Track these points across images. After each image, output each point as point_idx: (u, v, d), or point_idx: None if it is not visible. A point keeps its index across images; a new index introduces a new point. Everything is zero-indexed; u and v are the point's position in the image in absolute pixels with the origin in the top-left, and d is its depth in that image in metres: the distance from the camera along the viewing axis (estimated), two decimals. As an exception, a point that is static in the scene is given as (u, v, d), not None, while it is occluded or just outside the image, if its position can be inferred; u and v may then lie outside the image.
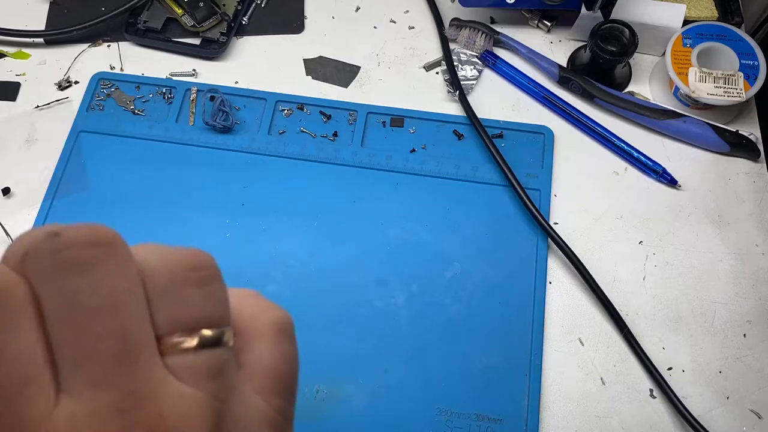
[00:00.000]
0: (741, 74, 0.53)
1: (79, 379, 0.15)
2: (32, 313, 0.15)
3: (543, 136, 0.55)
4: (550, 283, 0.50)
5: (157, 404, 0.15)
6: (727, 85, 0.52)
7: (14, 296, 0.15)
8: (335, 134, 0.55)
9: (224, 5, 0.61)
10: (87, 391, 0.15)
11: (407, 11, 0.62)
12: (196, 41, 0.60)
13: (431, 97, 0.58)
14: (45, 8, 0.62)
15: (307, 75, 0.59)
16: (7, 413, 0.14)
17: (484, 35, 0.59)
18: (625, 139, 0.54)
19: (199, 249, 0.18)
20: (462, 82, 0.57)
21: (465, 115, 0.55)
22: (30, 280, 0.15)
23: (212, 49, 0.59)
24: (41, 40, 0.60)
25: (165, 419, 0.15)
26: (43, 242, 0.15)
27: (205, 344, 0.17)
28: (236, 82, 0.58)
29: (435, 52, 0.60)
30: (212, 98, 0.56)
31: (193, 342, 0.16)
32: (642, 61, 0.59)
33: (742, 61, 0.53)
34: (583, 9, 0.57)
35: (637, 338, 0.47)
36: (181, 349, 0.16)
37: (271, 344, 0.19)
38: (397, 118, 0.56)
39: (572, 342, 0.48)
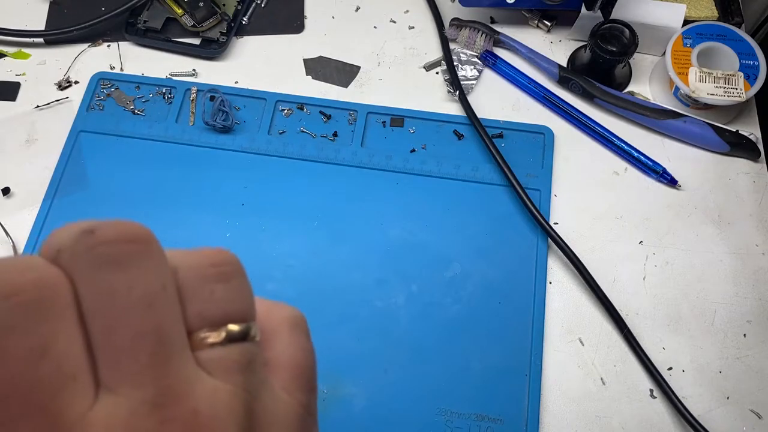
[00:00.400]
0: (741, 74, 0.53)
1: (116, 376, 0.15)
2: (74, 309, 0.15)
3: (543, 136, 0.55)
4: (550, 283, 0.50)
5: (191, 400, 0.15)
6: (727, 85, 0.52)
7: (60, 292, 0.15)
8: (335, 134, 0.55)
9: (224, 5, 0.61)
10: (124, 388, 0.15)
11: (407, 11, 0.62)
12: (196, 41, 0.60)
13: (431, 97, 0.58)
14: (45, 8, 0.62)
15: (307, 75, 0.59)
16: (51, 409, 0.14)
17: (484, 35, 0.59)
18: (625, 139, 0.54)
19: (220, 247, 0.18)
20: (462, 82, 0.57)
21: (465, 115, 0.55)
22: (68, 275, 0.15)
23: (212, 49, 0.59)
24: (41, 40, 0.60)
25: (199, 414, 0.15)
26: (78, 239, 0.15)
27: (232, 338, 0.17)
28: (236, 82, 0.58)
29: (435, 52, 0.60)
30: (212, 98, 0.56)
31: (221, 336, 0.17)
32: (642, 61, 0.59)
33: (742, 61, 0.53)
34: (583, 9, 0.57)
35: (637, 338, 0.47)
36: (210, 344, 0.17)
37: (289, 339, 0.19)
38: (397, 118, 0.56)
39: (572, 342, 0.48)
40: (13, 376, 0.14)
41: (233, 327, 0.17)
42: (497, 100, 0.57)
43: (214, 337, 0.17)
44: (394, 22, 0.62)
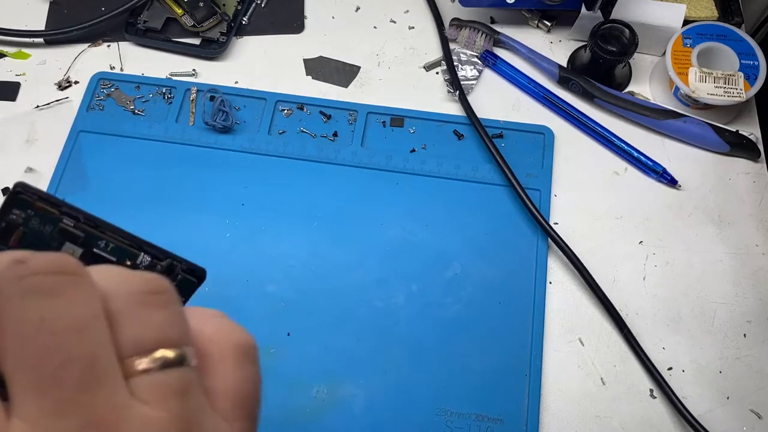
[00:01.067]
0: (741, 74, 0.53)
1: (36, 406, 0.15)
2: None
3: (543, 136, 0.55)
4: (550, 283, 0.50)
5: (120, 430, 0.15)
6: (727, 85, 0.52)
7: None
8: (335, 134, 0.55)
9: (224, 5, 0.61)
10: (44, 419, 0.14)
11: (407, 11, 0.62)
12: (196, 41, 0.60)
13: (431, 97, 0.58)
14: (45, 8, 0.62)
15: (307, 75, 0.59)
16: None
17: (484, 35, 0.59)
18: (625, 139, 0.54)
19: (154, 274, 0.18)
20: (462, 82, 0.57)
21: (465, 115, 0.55)
22: None
23: (212, 49, 0.59)
24: (41, 40, 0.60)
25: None
26: (8, 268, 0.15)
27: (167, 364, 0.17)
28: (236, 82, 0.58)
29: (435, 52, 0.60)
30: (212, 98, 0.56)
31: (155, 362, 0.17)
32: (642, 61, 0.59)
33: (742, 61, 0.53)
34: (583, 9, 0.57)
35: (637, 338, 0.47)
36: (143, 370, 0.16)
37: (233, 366, 0.19)
38: (397, 118, 0.56)
39: (572, 342, 0.48)
40: None
41: (167, 352, 0.17)
42: (497, 100, 0.57)
43: (147, 362, 0.16)
44: (394, 22, 0.62)
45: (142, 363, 0.16)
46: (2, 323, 0.15)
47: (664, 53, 0.55)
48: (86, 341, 0.15)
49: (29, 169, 0.53)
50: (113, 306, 0.17)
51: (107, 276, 0.17)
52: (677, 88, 0.54)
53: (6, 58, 0.60)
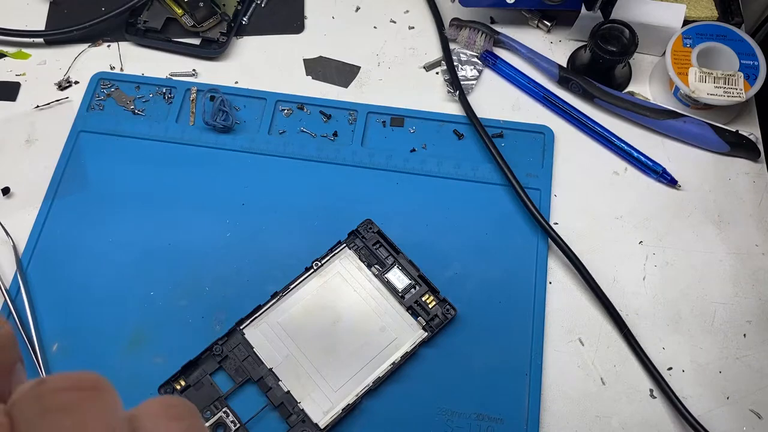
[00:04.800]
0: (741, 74, 0.53)
1: None
2: None
3: (543, 136, 0.55)
4: (550, 283, 0.50)
5: None
6: (727, 85, 0.52)
7: None
8: (335, 134, 0.55)
9: (224, 5, 0.61)
10: None
11: (407, 11, 0.62)
12: (196, 41, 0.60)
13: (431, 97, 0.58)
14: (45, 8, 0.62)
15: (307, 75, 0.59)
16: None
17: (484, 35, 0.59)
18: (625, 139, 0.54)
19: (179, 398, 0.19)
20: (462, 82, 0.57)
21: (465, 115, 0.55)
22: (15, 424, 0.16)
23: (212, 49, 0.59)
24: (41, 40, 0.60)
25: None
26: (30, 389, 0.16)
27: None
28: (236, 82, 0.58)
29: (435, 52, 0.60)
30: (212, 98, 0.56)
31: None
32: (642, 61, 0.59)
33: (742, 61, 0.53)
34: (583, 9, 0.57)
35: (637, 338, 0.47)
36: None
37: None
38: (397, 118, 0.56)
39: (572, 342, 0.48)
40: None
41: None
42: (497, 100, 0.57)
43: None
44: (394, 22, 0.62)
45: None
46: None
47: (664, 53, 0.55)
48: None
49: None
50: (138, 421, 0.17)
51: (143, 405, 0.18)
52: (677, 88, 0.54)
53: (6, 58, 0.60)
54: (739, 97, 0.52)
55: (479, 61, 0.59)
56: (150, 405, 0.18)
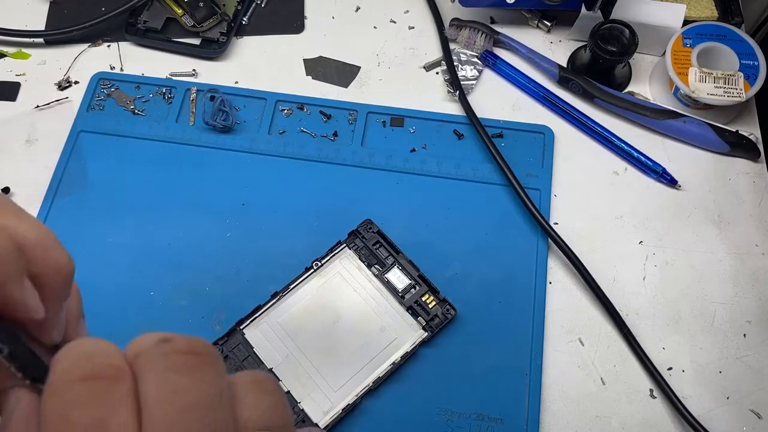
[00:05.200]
0: (741, 74, 0.53)
1: None
2: (133, 399, 0.18)
3: (543, 136, 0.55)
4: (550, 283, 0.50)
5: None
6: (727, 85, 0.52)
7: (124, 385, 0.18)
8: (335, 134, 0.55)
9: (224, 5, 0.61)
10: None
11: (407, 11, 0.62)
12: (196, 41, 0.60)
13: (431, 97, 0.58)
14: (45, 8, 0.62)
15: (307, 75, 0.59)
16: None
17: (484, 35, 0.59)
18: (625, 139, 0.54)
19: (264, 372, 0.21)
20: (462, 82, 0.57)
21: (465, 115, 0.55)
22: (138, 373, 0.18)
23: (212, 49, 0.59)
24: (41, 40, 0.60)
25: None
26: (156, 345, 0.19)
27: None
28: (236, 82, 0.58)
29: (435, 52, 0.60)
30: (212, 98, 0.56)
31: None
32: (642, 61, 0.59)
33: (742, 61, 0.53)
34: (583, 9, 0.57)
35: (637, 338, 0.47)
36: None
37: None
38: (397, 118, 0.56)
39: (572, 342, 0.48)
40: None
41: None
42: (497, 100, 0.57)
43: None
44: (394, 22, 0.62)
45: None
46: (144, 390, 0.18)
47: (664, 53, 0.55)
48: (209, 415, 0.18)
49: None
50: (237, 389, 0.20)
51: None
52: (677, 88, 0.54)
53: (6, 58, 0.60)
54: (739, 97, 0.52)
55: (479, 61, 0.59)
56: (244, 376, 0.20)
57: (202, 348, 0.19)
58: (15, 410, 0.19)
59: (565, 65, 0.59)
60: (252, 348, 0.46)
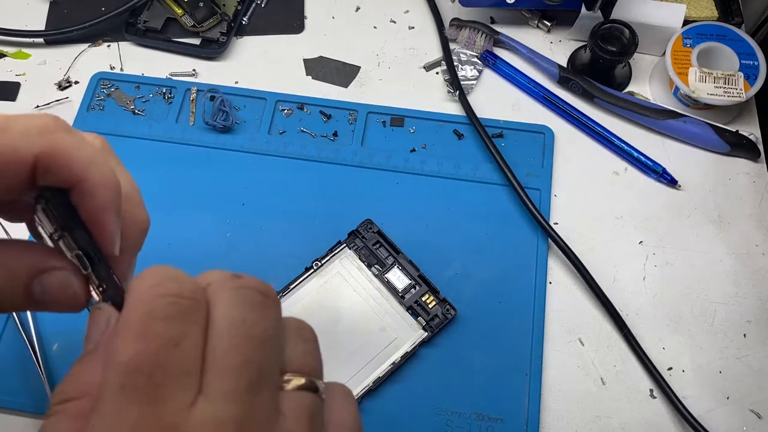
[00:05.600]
0: (741, 74, 0.53)
1: (218, 388, 0.19)
2: (205, 323, 0.20)
3: (543, 136, 0.55)
4: (550, 283, 0.50)
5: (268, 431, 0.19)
6: (727, 85, 0.52)
7: (201, 307, 0.20)
8: (335, 134, 0.55)
9: (224, 5, 0.61)
10: (220, 402, 0.19)
11: (407, 11, 0.62)
12: (196, 41, 0.60)
13: (431, 97, 0.58)
14: (45, 8, 0.62)
15: (307, 75, 0.59)
16: (162, 392, 0.18)
17: (484, 35, 0.59)
18: (625, 139, 0.54)
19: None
20: (462, 82, 0.57)
21: (465, 114, 0.55)
22: (210, 300, 0.21)
23: (212, 49, 0.59)
24: (41, 40, 0.60)
25: None
26: (230, 277, 0.22)
27: (308, 387, 0.21)
28: (236, 82, 0.58)
29: (435, 52, 0.60)
30: (212, 98, 0.56)
31: (301, 381, 0.21)
32: (642, 61, 0.59)
33: (742, 61, 0.53)
34: (583, 9, 0.57)
35: (637, 338, 0.47)
36: (292, 386, 0.21)
37: (344, 405, 0.23)
38: (397, 118, 0.56)
39: (572, 342, 0.48)
40: (156, 352, 0.18)
41: (310, 378, 0.22)
42: (497, 100, 0.57)
43: (296, 381, 0.21)
44: (394, 22, 0.62)
45: (293, 380, 0.21)
46: (215, 315, 0.20)
47: (664, 53, 0.55)
48: (265, 350, 0.20)
49: None
50: (285, 332, 0.22)
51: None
52: (677, 88, 0.54)
53: (6, 58, 0.60)
54: (739, 97, 0.52)
55: (479, 61, 0.59)
56: (291, 322, 0.23)
57: (268, 290, 0.22)
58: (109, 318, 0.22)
59: (565, 65, 0.59)
60: (252, 348, 0.46)
